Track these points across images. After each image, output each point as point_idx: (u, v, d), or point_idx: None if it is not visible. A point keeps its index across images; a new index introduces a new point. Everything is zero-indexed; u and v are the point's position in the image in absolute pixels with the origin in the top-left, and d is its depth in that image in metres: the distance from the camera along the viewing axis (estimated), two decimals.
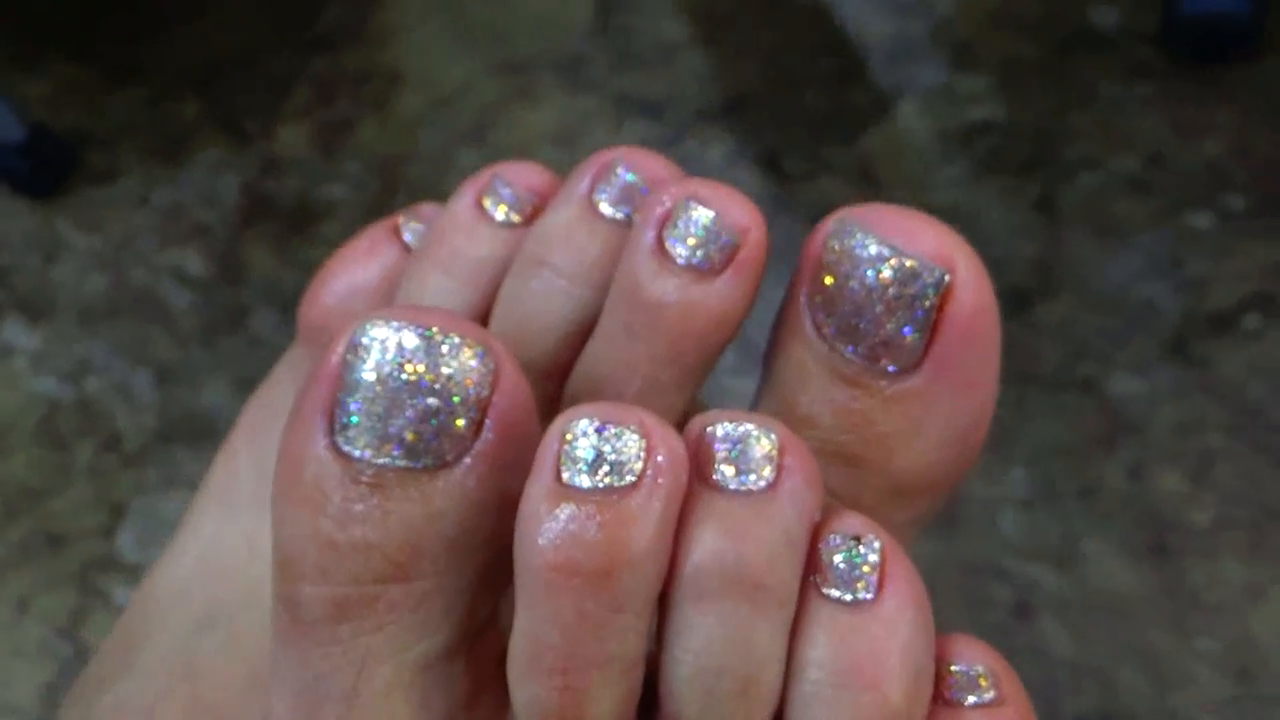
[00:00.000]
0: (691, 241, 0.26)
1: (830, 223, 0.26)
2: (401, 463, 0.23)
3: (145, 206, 0.99)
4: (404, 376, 0.23)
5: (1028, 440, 0.82)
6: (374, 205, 0.97)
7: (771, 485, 0.24)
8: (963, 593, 0.77)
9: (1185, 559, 0.77)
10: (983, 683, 0.25)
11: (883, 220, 0.25)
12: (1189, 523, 0.78)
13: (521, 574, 0.23)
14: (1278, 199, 0.89)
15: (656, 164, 0.28)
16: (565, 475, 0.23)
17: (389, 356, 0.24)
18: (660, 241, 0.26)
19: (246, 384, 0.91)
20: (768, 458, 0.24)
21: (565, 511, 0.23)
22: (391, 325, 0.24)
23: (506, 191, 0.30)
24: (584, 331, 0.28)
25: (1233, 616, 0.75)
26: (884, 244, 0.25)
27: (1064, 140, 0.94)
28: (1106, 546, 0.78)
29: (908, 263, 0.25)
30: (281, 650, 0.25)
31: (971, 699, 0.25)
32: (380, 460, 0.23)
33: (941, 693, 0.25)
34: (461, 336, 0.24)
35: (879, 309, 0.25)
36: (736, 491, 0.24)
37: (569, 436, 0.23)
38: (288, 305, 0.94)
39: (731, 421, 0.24)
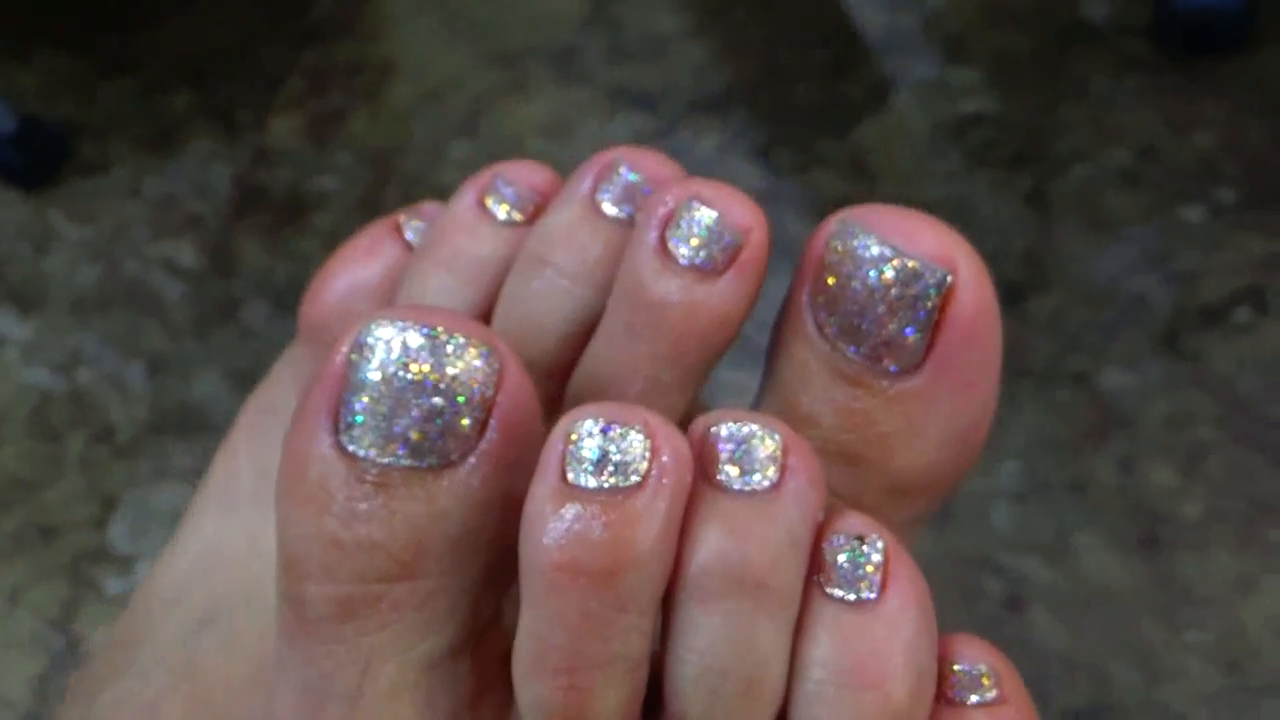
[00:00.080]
0: (694, 242, 0.26)
1: (832, 223, 0.26)
2: (406, 462, 0.24)
3: (137, 197, 0.99)
4: (409, 376, 0.23)
5: (1019, 433, 0.82)
6: (366, 197, 0.97)
7: (775, 485, 0.24)
8: (954, 585, 0.77)
9: (1176, 552, 0.78)
10: (985, 682, 0.25)
11: (885, 221, 0.25)
12: (1180, 516, 0.79)
13: (526, 574, 0.23)
14: (1268, 192, 0.89)
15: (659, 164, 0.28)
16: (570, 475, 0.23)
17: (394, 356, 0.24)
18: (663, 241, 0.26)
19: (238, 375, 0.91)
20: (771, 458, 0.24)
21: (570, 511, 0.23)
22: (396, 325, 0.24)
23: (508, 190, 0.30)
24: (586, 331, 0.28)
25: (1223, 609, 0.76)
26: (886, 244, 0.25)
27: (1056, 133, 0.94)
28: (1097, 539, 0.79)
29: (910, 263, 0.25)
30: (286, 649, 0.25)
31: (974, 698, 0.25)
32: (385, 460, 0.24)
33: (944, 692, 0.25)
34: (466, 336, 0.24)
35: (881, 309, 0.25)
36: (740, 492, 0.24)
37: (574, 437, 0.23)
38: (280, 297, 0.94)
39: (735, 421, 0.24)
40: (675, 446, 0.23)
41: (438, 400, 0.24)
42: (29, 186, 1.00)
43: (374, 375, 0.24)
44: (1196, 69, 0.95)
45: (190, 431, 0.89)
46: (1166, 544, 0.78)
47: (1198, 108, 0.93)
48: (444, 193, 0.93)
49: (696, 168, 0.89)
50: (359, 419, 0.24)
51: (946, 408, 0.26)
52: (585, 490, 0.23)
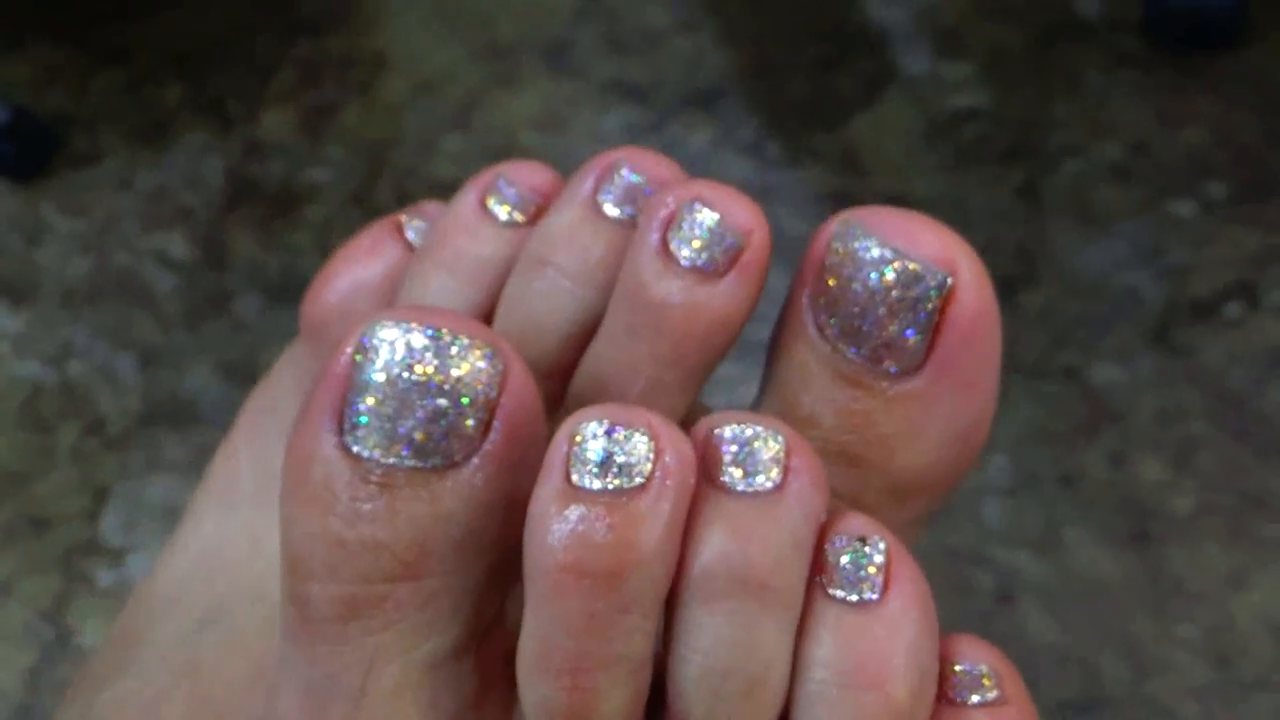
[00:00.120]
0: (696, 243, 0.26)
1: (833, 224, 0.26)
2: (410, 463, 0.24)
3: (129, 190, 0.99)
4: (413, 377, 0.24)
5: (1010, 428, 0.82)
6: (358, 190, 0.97)
7: (778, 487, 0.24)
8: (945, 580, 0.78)
9: (1166, 546, 0.78)
10: (986, 682, 0.25)
11: (886, 223, 0.26)
12: (1170, 510, 0.79)
13: (531, 574, 0.23)
14: (1259, 187, 0.89)
15: (660, 165, 0.28)
16: (574, 477, 0.23)
17: (398, 357, 0.24)
18: (665, 243, 0.26)
19: (230, 367, 0.91)
20: (775, 459, 0.24)
21: (575, 513, 0.23)
22: (401, 326, 0.24)
23: (510, 191, 0.30)
24: (587, 332, 0.28)
25: (1213, 603, 0.76)
26: (887, 246, 0.25)
27: (1048, 128, 0.94)
28: (1088, 534, 0.79)
29: (911, 265, 0.25)
30: (289, 648, 0.25)
31: (975, 698, 0.25)
32: (389, 460, 0.24)
33: (945, 692, 0.25)
34: (470, 338, 0.24)
35: (882, 311, 0.25)
36: (744, 493, 0.24)
37: (578, 438, 0.23)
38: (271, 289, 0.94)
39: (739, 423, 0.24)
40: (679, 448, 0.23)
41: (442, 401, 0.24)
42: (20, 178, 1.00)
43: (378, 376, 0.24)
44: (1188, 64, 0.95)
45: (182, 423, 0.89)
46: (1157, 538, 0.78)
47: (1189, 103, 0.94)
48: (436, 186, 0.93)
49: (689, 161, 0.89)
50: (363, 420, 0.24)
51: (946, 409, 0.26)
52: (590, 492, 0.23)
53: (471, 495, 0.24)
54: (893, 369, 0.26)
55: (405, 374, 0.24)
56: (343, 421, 0.24)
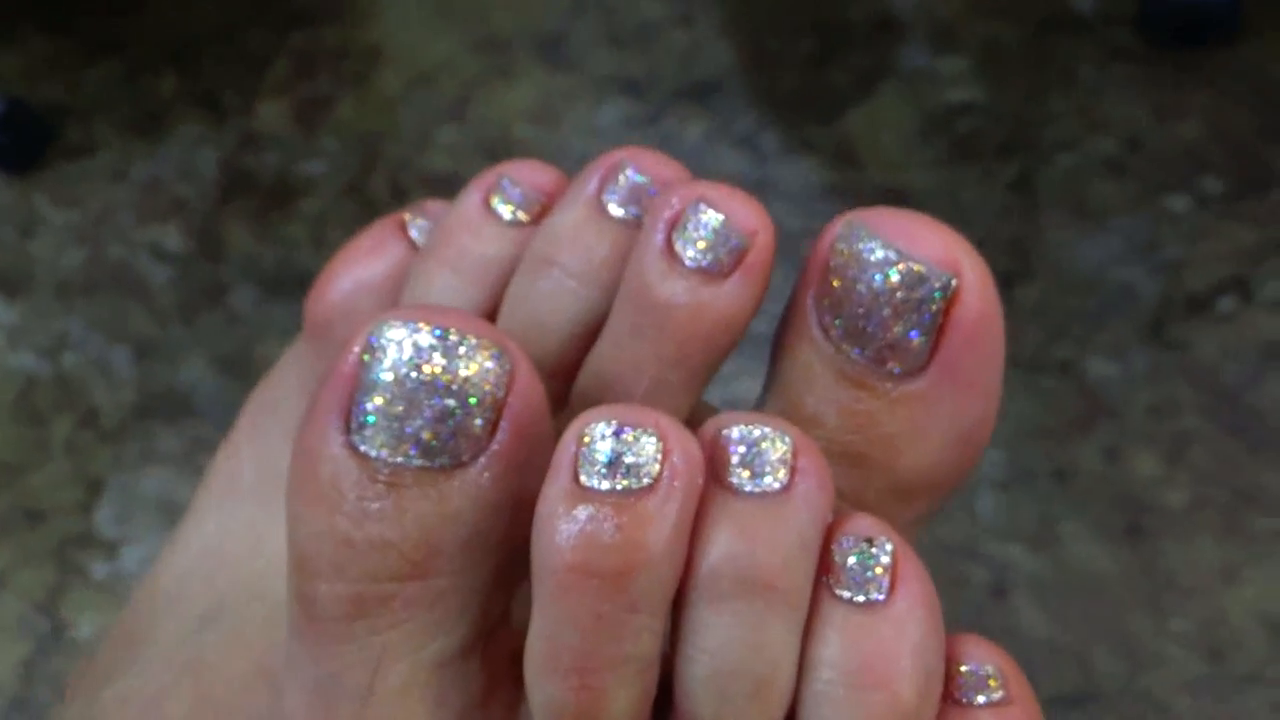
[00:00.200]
0: (701, 244, 0.26)
1: (838, 225, 0.26)
2: (418, 462, 0.24)
3: (123, 181, 0.99)
4: (421, 377, 0.24)
5: (1004, 422, 0.82)
6: (353, 182, 0.97)
7: (786, 488, 0.24)
8: (939, 573, 0.77)
9: (1160, 540, 0.78)
10: (992, 683, 0.26)
11: (890, 224, 0.26)
12: (1164, 504, 0.79)
13: (539, 574, 0.23)
14: (1254, 182, 0.90)
15: (664, 165, 0.29)
16: (583, 477, 0.23)
17: (406, 357, 0.24)
18: (669, 243, 0.26)
19: (225, 360, 0.91)
20: (782, 460, 0.24)
21: (583, 513, 0.23)
22: (408, 326, 0.24)
23: (514, 191, 0.30)
24: (591, 332, 0.28)
25: (1206, 598, 0.76)
26: (891, 248, 0.25)
27: (1042, 123, 0.94)
28: (1082, 528, 0.79)
29: (915, 267, 0.25)
30: (297, 647, 0.25)
31: (981, 699, 0.25)
32: (397, 460, 0.24)
33: (951, 692, 0.25)
34: (478, 337, 0.24)
35: (886, 312, 0.25)
36: (751, 494, 0.24)
37: (586, 439, 0.23)
38: (266, 281, 0.94)
39: (746, 424, 0.25)
40: (687, 449, 0.23)
41: (450, 401, 0.24)
42: (14, 170, 1.00)
43: (386, 376, 0.24)
44: (1183, 59, 0.95)
45: (177, 416, 0.89)
46: (1150, 532, 0.78)
47: (1184, 98, 0.94)
48: (431, 178, 0.93)
49: (683, 155, 0.89)
50: (371, 419, 0.24)
51: (950, 409, 0.26)
52: (598, 492, 0.23)
53: (478, 495, 0.24)
54: (896, 370, 0.26)
55: (413, 374, 0.24)
56: (350, 421, 0.24)
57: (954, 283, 0.25)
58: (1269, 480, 0.79)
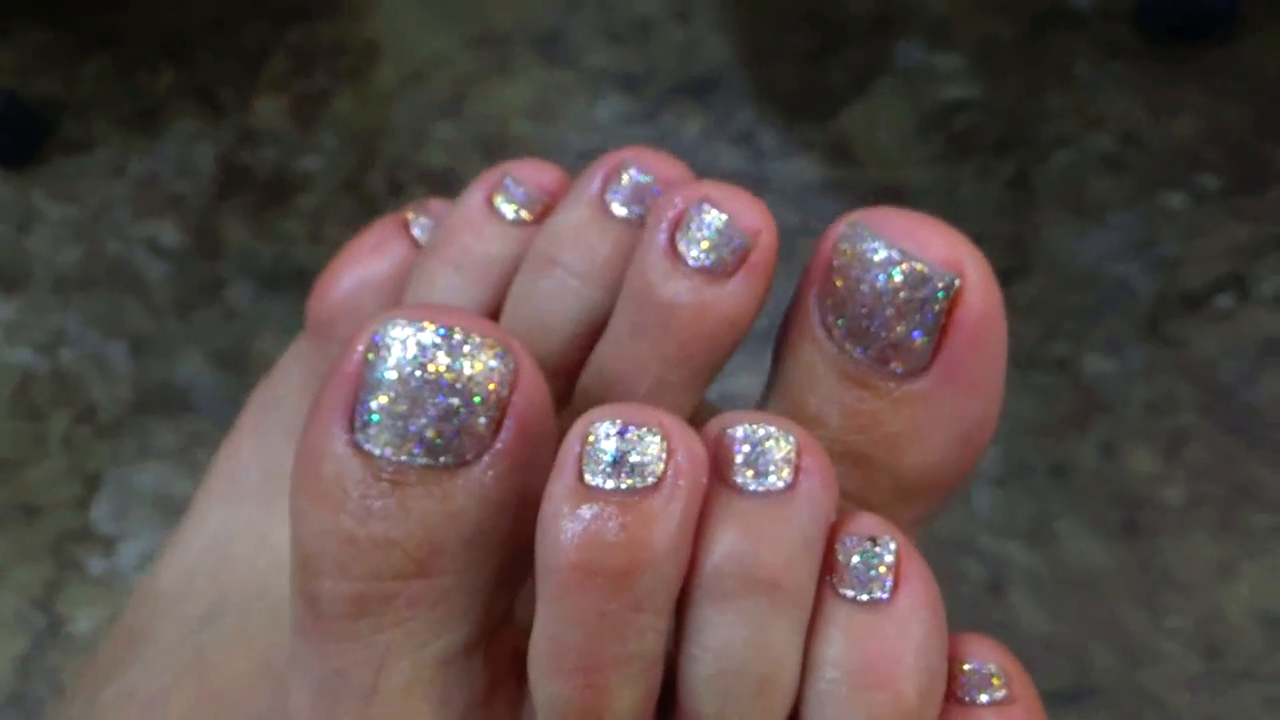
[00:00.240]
0: (704, 244, 0.26)
1: (841, 225, 0.26)
2: (422, 461, 0.24)
3: (120, 177, 0.99)
4: (425, 376, 0.24)
5: (1001, 418, 0.82)
6: (350, 178, 0.97)
7: (790, 487, 0.24)
8: (935, 569, 0.78)
9: (1156, 537, 0.78)
10: (995, 682, 0.26)
11: (893, 224, 0.26)
12: (1160, 501, 0.79)
13: (543, 573, 0.23)
14: (1251, 179, 0.90)
15: (668, 165, 0.29)
16: (587, 476, 0.23)
17: (410, 355, 0.24)
18: (673, 243, 0.26)
19: (222, 356, 0.90)
20: (786, 459, 0.24)
21: (587, 512, 0.23)
22: (413, 324, 0.24)
23: (517, 190, 0.30)
24: (594, 331, 0.28)
25: (1203, 594, 0.76)
26: (894, 248, 0.25)
27: (1039, 119, 0.94)
28: (1078, 524, 0.79)
29: (918, 267, 0.25)
30: (300, 645, 0.25)
31: (984, 697, 0.25)
32: (401, 458, 0.24)
33: (954, 691, 0.25)
34: (482, 336, 0.24)
35: (889, 312, 0.25)
36: (755, 493, 0.24)
37: (591, 438, 0.23)
38: (263, 277, 0.93)
39: (751, 423, 0.25)
40: (691, 448, 0.23)
41: (454, 400, 0.24)
42: (11, 165, 1.00)
43: (390, 374, 0.24)
44: (1180, 56, 0.95)
45: (173, 411, 0.89)
46: (1147, 529, 0.78)
47: (1181, 94, 0.94)
48: (428, 174, 0.93)
49: (681, 151, 0.89)
50: (375, 418, 0.24)
51: (952, 409, 0.26)
52: (602, 491, 0.23)
53: (482, 493, 0.24)
54: (899, 370, 0.26)
55: (417, 372, 0.24)
56: (354, 419, 0.24)
57: (957, 283, 0.25)
58: (1266, 477, 0.79)
